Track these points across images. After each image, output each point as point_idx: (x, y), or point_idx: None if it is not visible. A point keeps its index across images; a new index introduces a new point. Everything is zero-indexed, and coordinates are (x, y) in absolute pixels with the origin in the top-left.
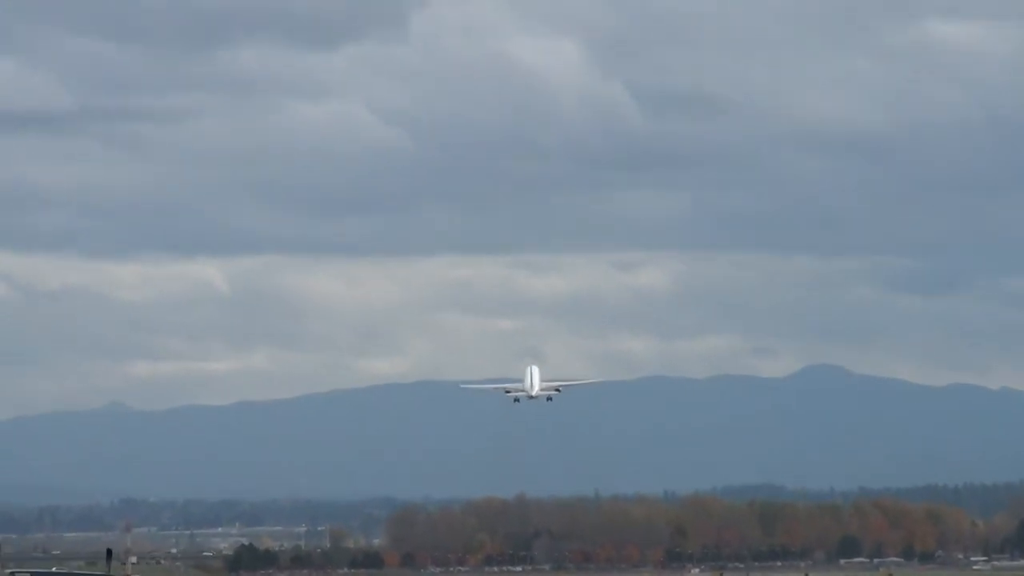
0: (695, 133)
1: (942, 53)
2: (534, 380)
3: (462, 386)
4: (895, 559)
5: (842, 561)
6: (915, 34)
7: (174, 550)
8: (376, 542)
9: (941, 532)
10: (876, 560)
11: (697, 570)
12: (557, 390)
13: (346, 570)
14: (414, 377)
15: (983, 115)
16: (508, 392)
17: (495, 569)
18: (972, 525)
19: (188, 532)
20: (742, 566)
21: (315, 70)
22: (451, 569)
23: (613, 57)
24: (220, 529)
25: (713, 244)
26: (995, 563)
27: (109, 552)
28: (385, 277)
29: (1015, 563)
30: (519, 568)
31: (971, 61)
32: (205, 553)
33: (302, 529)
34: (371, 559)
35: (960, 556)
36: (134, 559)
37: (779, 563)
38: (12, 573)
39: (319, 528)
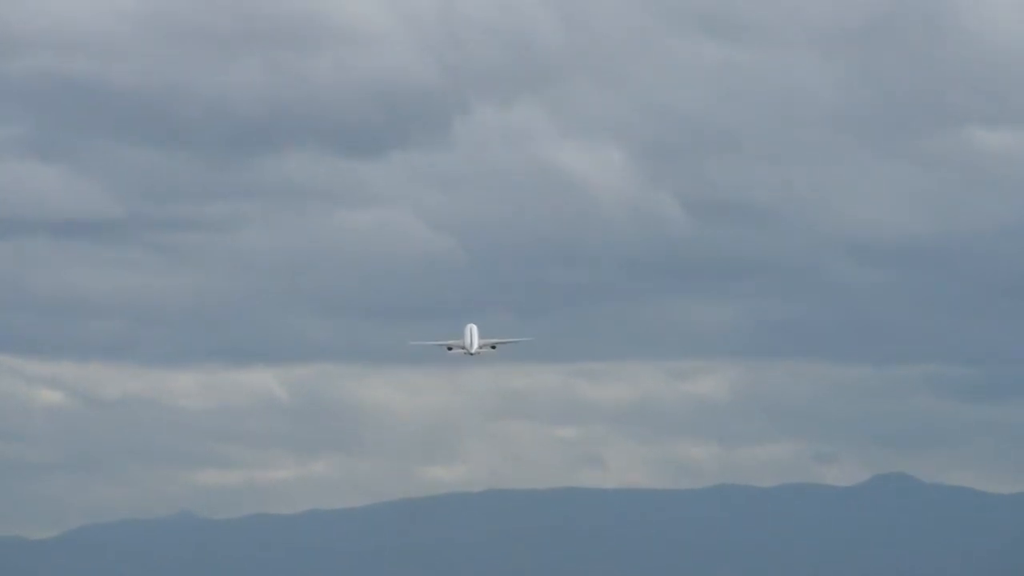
0: (743, 242)
1: (987, 161)
2: (473, 338)
3: (410, 343)
4: None
5: None
6: (959, 142)
7: None
8: None
9: None
10: None
11: None
12: (493, 347)
13: None
14: (481, 486)
15: None
16: (450, 349)
17: None
18: None
19: None
20: None
21: (360, 177)
22: None
23: (658, 165)
24: None
25: (768, 353)
26: None
27: None
28: (442, 385)
29: None
30: None
31: (1017, 168)
32: None
33: None
34: None
35: None
36: None
37: None
38: None
39: None
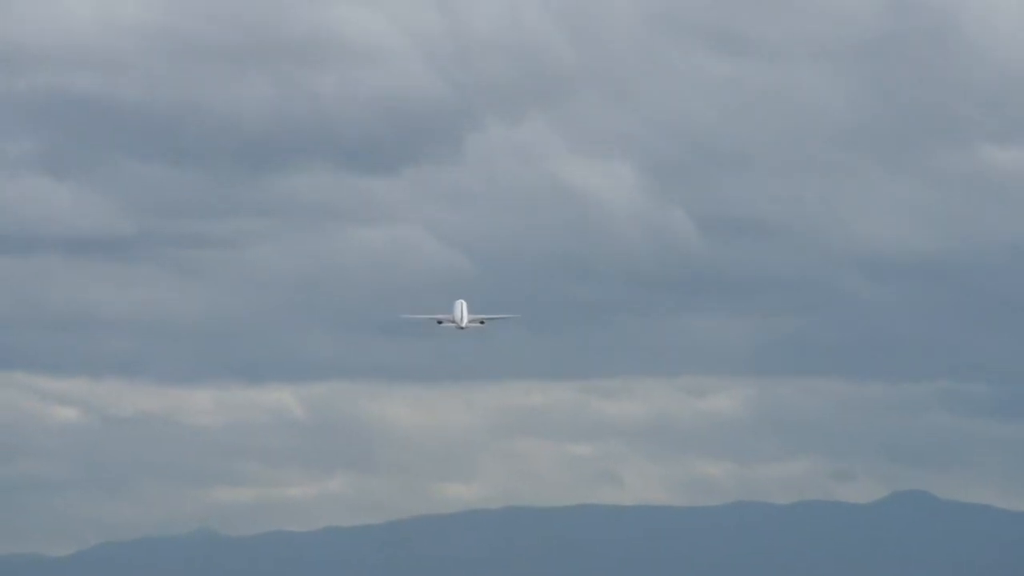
0: (755, 258)
1: (999, 177)
2: (463, 313)
3: (401, 316)
4: None
5: None
6: (970, 158)
7: None
8: None
9: None
10: None
11: None
12: (481, 322)
13: None
14: (497, 503)
15: None
16: (440, 323)
17: None
18: None
19: None
20: None
21: (371, 194)
22: None
23: (669, 181)
24: None
25: (781, 370)
26: None
27: None
28: (457, 402)
29: None
30: None
31: None
32: None
33: None
34: None
35: None
36: None
37: None
38: None
39: None
